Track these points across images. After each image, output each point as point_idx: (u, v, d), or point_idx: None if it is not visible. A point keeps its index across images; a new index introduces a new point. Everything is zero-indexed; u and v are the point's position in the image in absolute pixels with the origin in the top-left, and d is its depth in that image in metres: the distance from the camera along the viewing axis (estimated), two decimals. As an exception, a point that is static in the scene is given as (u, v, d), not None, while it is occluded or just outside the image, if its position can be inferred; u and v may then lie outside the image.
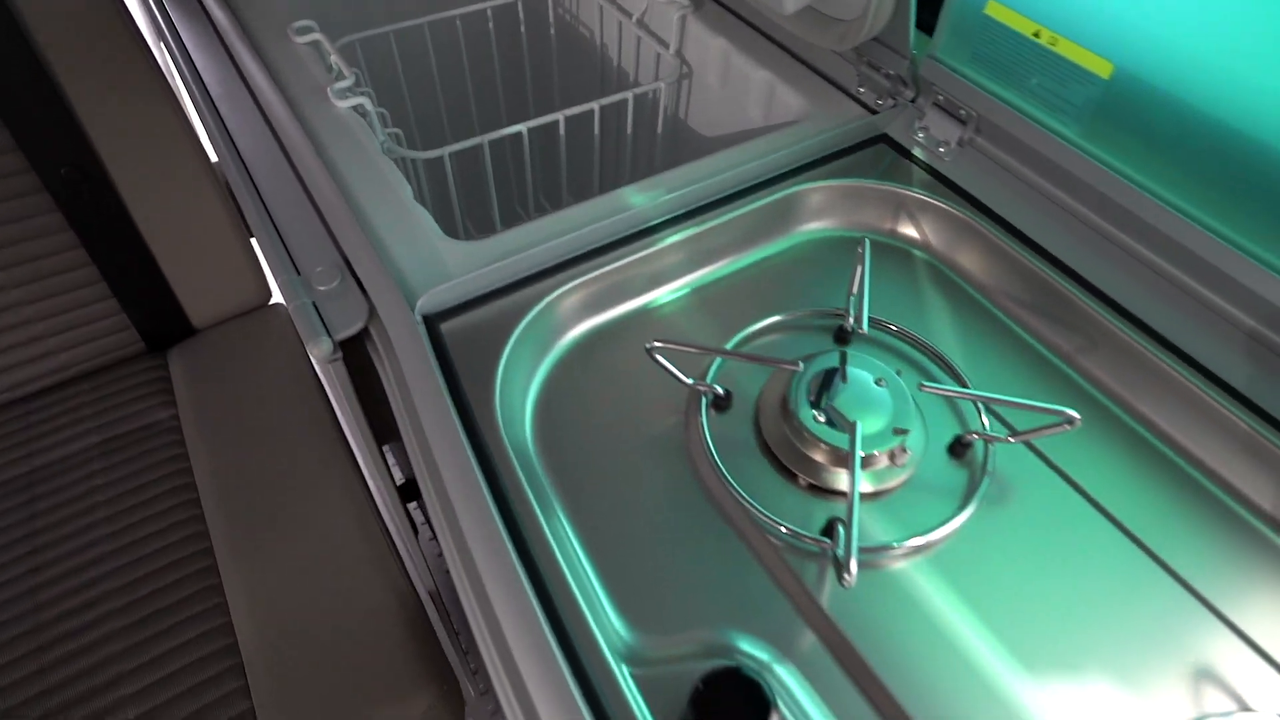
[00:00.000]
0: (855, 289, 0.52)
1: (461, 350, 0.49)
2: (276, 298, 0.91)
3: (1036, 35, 0.53)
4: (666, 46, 0.84)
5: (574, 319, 0.54)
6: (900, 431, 0.44)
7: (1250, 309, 0.49)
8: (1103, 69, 0.51)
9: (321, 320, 0.49)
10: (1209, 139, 0.47)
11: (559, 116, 0.76)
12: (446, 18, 0.87)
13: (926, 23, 0.61)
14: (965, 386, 0.50)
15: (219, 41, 0.74)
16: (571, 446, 0.48)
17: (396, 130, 0.74)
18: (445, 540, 0.41)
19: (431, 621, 0.66)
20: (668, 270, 0.57)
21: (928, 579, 0.42)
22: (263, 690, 0.59)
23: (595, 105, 0.78)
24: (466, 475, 0.42)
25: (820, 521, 0.44)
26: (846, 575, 0.38)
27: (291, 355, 0.84)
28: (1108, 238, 0.55)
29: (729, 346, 0.53)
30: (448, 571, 0.42)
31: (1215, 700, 0.38)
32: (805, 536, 0.43)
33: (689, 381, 0.47)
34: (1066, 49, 0.52)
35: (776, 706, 0.34)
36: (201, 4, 0.78)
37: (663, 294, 0.57)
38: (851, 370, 0.46)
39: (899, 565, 0.43)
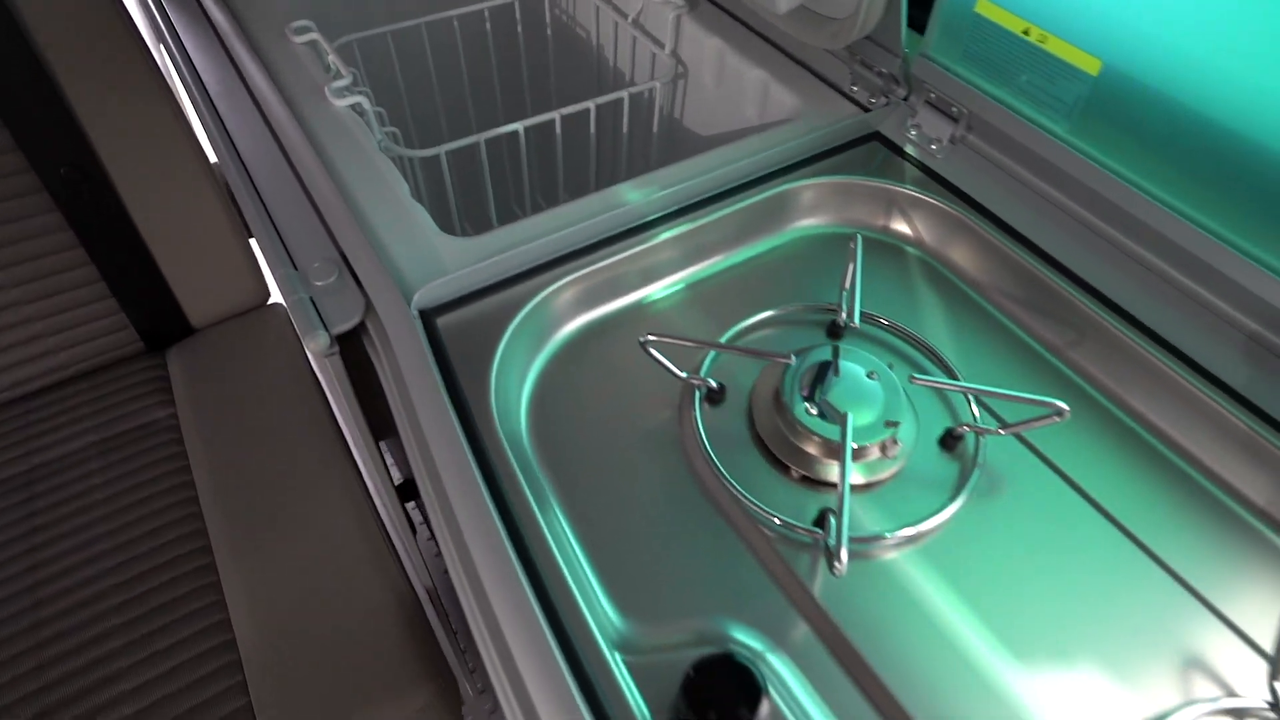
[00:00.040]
0: (848, 284, 0.52)
1: (457, 344, 0.50)
2: (275, 298, 0.91)
3: (1026, 33, 0.54)
4: (662, 46, 0.84)
5: (569, 314, 0.54)
6: (892, 424, 0.45)
7: (1238, 303, 0.49)
8: (1091, 66, 0.51)
9: (318, 314, 0.49)
10: (1195, 135, 0.47)
11: (555, 115, 0.76)
12: (444, 18, 0.87)
13: (918, 21, 0.62)
14: (956, 380, 0.51)
15: (218, 42, 0.75)
16: (566, 440, 0.48)
17: (394, 129, 0.74)
18: (442, 535, 0.41)
19: (429, 620, 0.66)
20: (662, 266, 0.57)
21: (919, 569, 0.42)
22: (260, 686, 0.60)
23: (591, 104, 0.79)
24: (463, 468, 0.42)
25: (813, 513, 0.44)
26: (837, 564, 0.38)
27: (290, 355, 0.85)
28: (1097, 233, 0.56)
29: (723, 340, 0.53)
30: (446, 571, 0.42)
31: (1202, 687, 0.39)
32: (798, 527, 0.43)
33: (682, 375, 0.48)
34: (1055, 46, 0.53)
35: (767, 692, 0.34)
36: (200, 4, 0.79)
37: (657, 289, 0.57)
38: (844, 364, 0.47)
39: (890, 556, 0.43)
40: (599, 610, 0.41)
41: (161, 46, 0.78)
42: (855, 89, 0.69)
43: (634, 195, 0.58)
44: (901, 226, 0.61)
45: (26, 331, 0.76)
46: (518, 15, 1.03)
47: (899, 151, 0.64)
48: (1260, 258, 0.47)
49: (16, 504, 0.70)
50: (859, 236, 0.53)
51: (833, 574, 0.41)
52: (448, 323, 0.51)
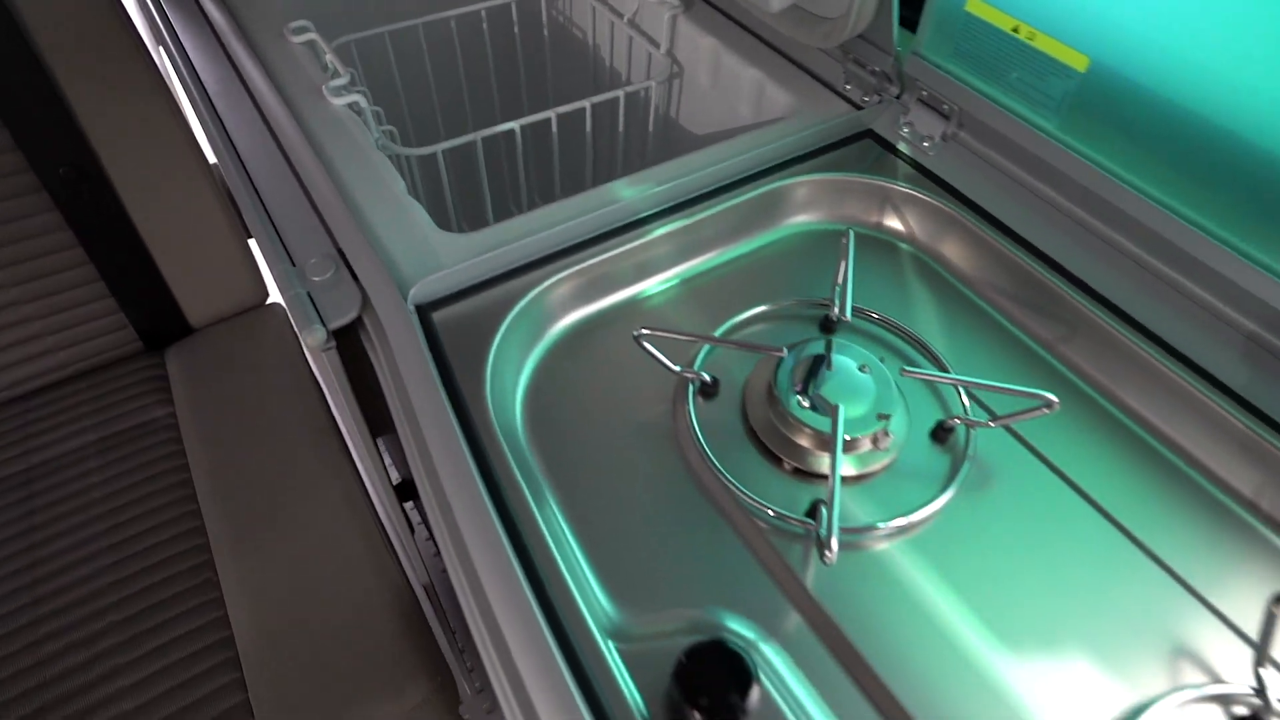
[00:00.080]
0: (840, 279, 0.53)
1: (453, 338, 0.50)
2: (273, 297, 0.92)
3: (1015, 30, 0.55)
4: (657, 46, 0.85)
5: (564, 309, 0.55)
6: (883, 416, 0.45)
7: (1224, 296, 0.50)
8: (1079, 63, 0.52)
9: (316, 309, 0.50)
10: (1182, 130, 0.48)
11: (551, 114, 0.77)
12: (441, 19, 0.88)
13: (910, 20, 0.63)
14: (947, 373, 0.51)
15: (216, 42, 0.75)
16: (561, 432, 0.48)
17: (391, 128, 0.75)
18: (440, 533, 0.41)
19: (426, 618, 0.67)
20: (657, 261, 0.58)
21: (910, 560, 0.43)
22: (258, 683, 0.60)
23: (587, 103, 0.79)
24: (459, 461, 0.43)
25: (805, 504, 0.45)
26: (828, 553, 0.38)
27: (288, 355, 0.85)
28: (1087, 228, 0.56)
29: (716, 335, 0.54)
30: (444, 570, 0.43)
31: (1189, 673, 0.39)
32: (790, 518, 0.44)
33: (676, 369, 0.48)
34: (1044, 43, 0.53)
35: (758, 678, 0.34)
36: (199, 5, 0.79)
37: (652, 285, 0.57)
38: (836, 357, 0.47)
39: (882, 546, 0.43)
40: (593, 600, 0.41)
41: (160, 47, 0.79)
42: (848, 87, 0.70)
43: (629, 192, 0.58)
44: (894, 223, 0.62)
45: (25, 331, 0.77)
46: (514, 16, 1.03)
47: (891, 149, 0.64)
48: (1244, 250, 0.47)
49: (15, 503, 0.70)
50: (851, 232, 0.54)
51: (823, 563, 0.42)
52: (444, 317, 0.51)
